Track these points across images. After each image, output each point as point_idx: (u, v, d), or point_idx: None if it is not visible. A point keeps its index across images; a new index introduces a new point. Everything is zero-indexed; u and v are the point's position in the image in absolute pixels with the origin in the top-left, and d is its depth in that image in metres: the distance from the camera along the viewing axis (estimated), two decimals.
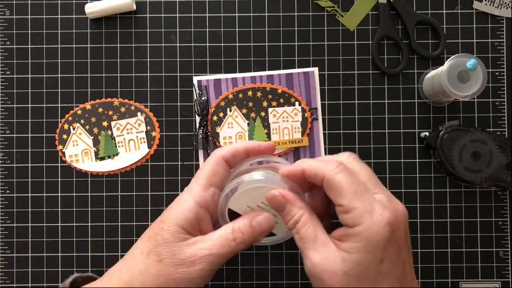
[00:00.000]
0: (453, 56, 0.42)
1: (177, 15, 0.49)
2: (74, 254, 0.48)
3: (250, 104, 0.48)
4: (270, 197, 0.36)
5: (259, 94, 0.48)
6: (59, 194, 0.48)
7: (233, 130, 0.48)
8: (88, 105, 0.48)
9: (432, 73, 0.45)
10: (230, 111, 0.48)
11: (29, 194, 0.48)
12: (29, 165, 0.48)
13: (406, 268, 0.34)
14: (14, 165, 0.48)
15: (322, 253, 0.34)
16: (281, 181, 0.37)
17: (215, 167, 0.38)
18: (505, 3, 0.48)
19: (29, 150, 0.48)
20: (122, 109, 0.48)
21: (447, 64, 0.41)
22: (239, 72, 0.49)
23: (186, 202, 0.37)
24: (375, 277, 0.33)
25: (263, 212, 0.38)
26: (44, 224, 0.48)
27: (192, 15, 0.49)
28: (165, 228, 0.36)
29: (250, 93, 0.48)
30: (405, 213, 0.34)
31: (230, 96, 0.48)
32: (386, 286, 0.33)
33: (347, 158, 0.37)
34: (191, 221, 0.36)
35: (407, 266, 0.34)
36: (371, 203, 0.33)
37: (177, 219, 0.36)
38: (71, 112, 0.48)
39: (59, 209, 0.48)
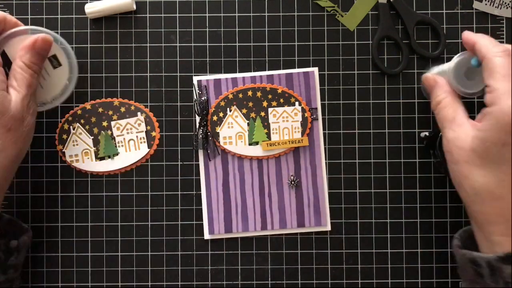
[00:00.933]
0: (460, 53, 0.42)
1: (177, 15, 0.49)
2: (74, 254, 0.48)
3: (250, 104, 0.48)
4: (425, 79, 0.44)
5: (259, 94, 0.48)
6: (59, 194, 0.48)
7: (233, 130, 0.48)
8: (88, 105, 0.48)
9: (435, 70, 0.45)
10: (230, 111, 0.48)
11: (29, 194, 0.48)
12: (29, 165, 0.48)
13: None
14: None
15: (456, 132, 0.39)
16: None
17: None
18: (505, 3, 0.48)
19: (29, 150, 0.48)
20: (122, 109, 0.48)
21: (454, 61, 0.41)
22: (239, 72, 0.49)
23: None
24: (496, 159, 0.36)
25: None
26: (44, 224, 0.48)
27: (192, 15, 0.49)
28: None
29: (250, 93, 0.48)
30: None
31: (230, 96, 0.48)
32: (503, 171, 0.36)
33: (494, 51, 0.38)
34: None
35: None
36: (509, 90, 0.35)
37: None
38: (71, 112, 0.48)
39: (59, 209, 0.48)
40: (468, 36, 0.40)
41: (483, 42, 0.38)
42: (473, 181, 0.37)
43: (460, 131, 0.38)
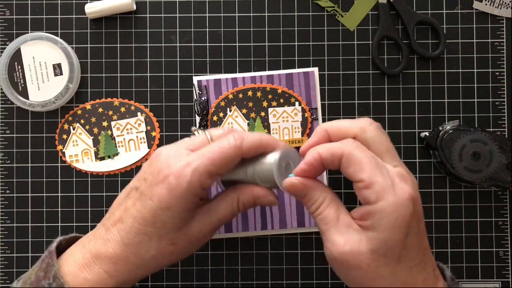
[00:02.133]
0: (275, 152, 0.38)
1: (177, 15, 0.49)
2: None
3: (250, 104, 0.48)
4: (288, 185, 0.36)
5: (259, 94, 0.48)
6: (59, 194, 0.48)
7: None
8: (88, 105, 0.48)
9: (249, 172, 0.39)
10: (230, 111, 0.48)
11: (29, 194, 0.48)
12: (29, 165, 0.48)
13: (425, 238, 0.35)
14: (14, 165, 0.48)
15: (346, 235, 0.34)
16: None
17: (232, 163, 0.36)
18: (505, 3, 0.48)
19: (29, 150, 0.48)
20: (122, 109, 0.48)
21: (275, 157, 0.37)
22: (239, 72, 0.49)
23: (194, 189, 0.35)
24: (401, 251, 0.33)
25: (270, 194, 0.38)
26: (44, 224, 0.48)
27: (192, 15, 0.49)
28: (175, 215, 0.35)
29: (250, 93, 0.48)
30: (416, 183, 0.35)
31: (230, 96, 0.48)
32: (410, 259, 0.33)
33: (369, 125, 0.36)
34: (197, 203, 0.37)
35: (425, 235, 0.35)
36: (392, 177, 0.33)
37: (187, 204, 0.35)
38: (71, 112, 0.48)
39: (59, 209, 0.48)
40: (312, 157, 0.35)
41: (330, 146, 0.35)
42: (384, 280, 0.33)
43: (350, 233, 0.33)
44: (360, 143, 0.35)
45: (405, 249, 0.33)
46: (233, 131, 0.38)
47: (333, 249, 0.34)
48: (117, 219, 0.36)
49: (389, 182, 0.33)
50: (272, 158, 0.37)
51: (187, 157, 0.35)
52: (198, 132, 0.40)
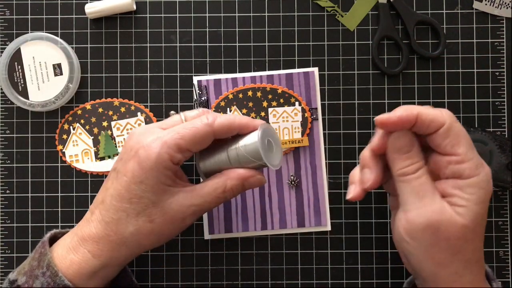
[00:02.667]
0: (258, 130, 0.38)
1: (177, 15, 0.49)
2: None
3: (250, 104, 0.48)
4: (397, 137, 0.35)
5: (259, 94, 0.48)
6: (59, 194, 0.48)
7: None
8: (88, 105, 0.48)
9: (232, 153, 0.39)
10: (230, 111, 0.48)
11: (29, 194, 0.48)
12: (29, 165, 0.48)
13: None
14: (14, 165, 0.48)
15: (437, 205, 0.34)
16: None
17: (203, 140, 0.37)
18: (505, 3, 0.48)
19: (29, 150, 0.48)
20: (122, 109, 0.48)
21: (257, 134, 0.38)
22: (239, 72, 0.49)
23: (163, 162, 0.35)
24: (483, 228, 0.35)
25: (257, 173, 0.38)
26: (44, 224, 0.48)
27: (192, 15, 0.49)
28: (148, 189, 0.36)
29: (250, 93, 0.48)
30: None
31: (230, 96, 0.48)
32: (478, 239, 0.35)
33: (455, 118, 0.36)
34: (171, 177, 0.37)
35: None
36: (480, 158, 0.35)
37: (159, 176, 0.36)
38: (71, 112, 0.48)
39: (59, 209, 0.48)
40: (407, 114, 0.35)
41: (430, 111, 0.35)
42: (464, 256, 0.34)
43: (445, 204, 0.34)
44: (452, 116, 0.35)
45: (484, 226, 0.35)
46: (208, 112, 0.39)
47: (425, 219, 0.33)
48: (100, 201, 0.37)
49: (480, 160, 0.34)
50: (255, 136, 0.37)
51: (158, 133, 0.36)
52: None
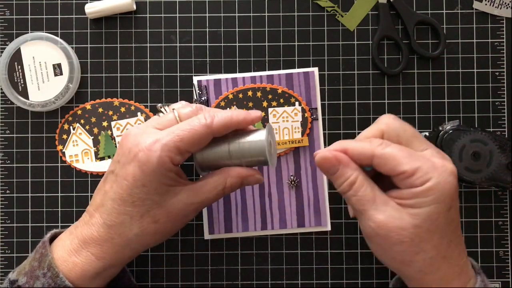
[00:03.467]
0: (268, 126, 0.39)
1: (177, 15, 0.49)
2: None
3: (250, 104, 0.48)
4: (321, 159, 0.36)
5: (259, 94, 0.48)
6: (59, 194, 0.48)
7: None
8: (88, 105, 0.48)
9: (235, 147, 0.39)
10: None
11: (29, 194, 0.48)
12: (29, 165, 0.48)
13: (459, 213, 0.36)
14: (14, 165, 0.48)
15: (385, 212, 0.34)
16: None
17: (202, 141, 0.37)
18: (505, 3, 0.48)
19: (29, 150, 0.48)
20: (122, 109, 0.48)
21: (263, 133, 0.39)
22: (239, 72, 0.49)
23: (164, 164, 0.35)
24: (444, 225, 0.34)
25: (256, 172, 0.39)
26: (44, 224, 0.48)
27: (192, 15, 0.49)
28: (151, 191, 0.36)
29: (250, 93, 0.48)
30: None
31: (230, 96, 0.48)
32: (451, 232, 0.35)
33: (388, 119, 0.37)
34: (173, 178, 0.37)
35: (459, 210, 0.36)
36: (430, 159, 0.34)
37: (161, 179, 0.36)
38: (71, 112, 0.48)
39: (59, 209, 0.48)
40: (335, 151, 0.36)
41: (358, 145, 0.35)
42: (426, 254, 0.34)
43: (389, 210, 0.34)
44: (386, 140, 0.35)
45: (448, 223, 0.34)
46: (202, 109, 0.39)
47: (374, 226, 0.34)
48: (99, 204, 0.37)
49: (429, 163, 0.34)
50: (262, 135, 0.38)
51: (156, 134, 0.36)
52: (165, 109, 0.40)
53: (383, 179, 0.37)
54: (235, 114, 0.38)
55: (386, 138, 0.36)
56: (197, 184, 0.38)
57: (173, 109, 0.39)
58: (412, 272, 0.36)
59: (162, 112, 0.41)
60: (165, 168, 0.35)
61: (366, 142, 0.35)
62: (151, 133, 0.36)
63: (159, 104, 0.41)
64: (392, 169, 0.34)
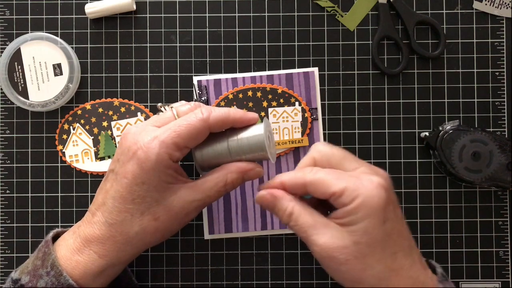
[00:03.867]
0: (259, 125, 0.39)
1: (177, 15, 0.49)
2: None
3: (250, 104, 0.48)
4: (260, 199, 0.37)
5: (259, 94, 0.48)
6: (59, 194, 0.48)
7: None
8: (88, 105, 0.48)
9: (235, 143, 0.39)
10: None
11: (29, 194, 0.48)
12: (29, 165, 0.48)
13: (403, 223, 0.36)
14: (14, 165, 0.48)
15: (326, 234, 0.35)
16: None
17: (199, 136, 0.37)
18: (505, 3, 0.48)
19: (29, 150, 0.48)
20: (122, 109, 0.48)
21: (260, 128, 0.39)
22: (239, 72, 0.49)
23: (163, 161, 0.36)
24: (383, 238, 0.34)
25: (256, 165, 0.39)
26: (44, 224, 0.48)
27: (192, 15, 0.49)
28: (151, 188, 0.36)
29: (250, 93, 0.48)
30: (387, 174, 0.37)
31: (230, 96, 0.48)
32: (393, 244, 0.35)
33: (317, 146, 0.38)
34: (172, 175, 0.37)
35: (403, 221, 0.36)
36: (357, 177, 0.35)
37: (160, 176, 0.36)
38: (71, 112, 0.48)
39: (59, 209, 0.48)
40: (273, 184, 0.37)
41: (291, 176, 0.37)
42: (372, 269, 0.34)
43: (330, 231, 0.35)
44: (317, 167, 0.36)
45: (386, 235, 0.34)
46: (201, 106, 0.39)
47: (319, 249, 0.35)
48: (100, 202, 0.37)
49: (357, 181, 0.34)
50: (259, 129, 0.38)
51: (154, 132, 0.36)
52: (164, 109, 0.40)
53: (326, 204, 0.37)
54: (232, 111, 0.38)
55: (319, 164, 0.37)
56: (198, 182, 0.38)
57: (171, 107, 0.39)
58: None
59: (162, 111, 0.41)
60: (164, 165, 0.36)
61: (299, 172, 0.36)
62: (150, 131, 0.37)
63: (159, 104, 0.41)
64: (323, 192, 0.35)
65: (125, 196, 0.36)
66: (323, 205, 0.38)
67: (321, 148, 0.38)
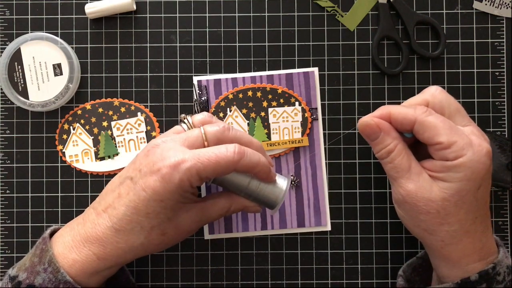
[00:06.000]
0: (288, 180, 0.41)
1: (177, 15, 0.49)
2: None
3: (250, 104, 0.48)
4: (364, 125, 0.38)
5: (259, 94, 0.48)
6: (59, 194, 0.48)
7: None
8: (88, 105, 0.48)
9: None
10: (230, 111, 0.48)
11: (29, 194, 0.48)
12: (29, 165, 0.48)
13: (489, 191, 0.38)
14: (14, 165, 0.48)
15: (417, 182, 0.36)
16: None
17: (224, 172, 0.37)
18: (505, 3, 0.48)
19: (29, 150, 0.48)
20: (122, 109, 0.48)
21: (285, 189, 0.40)
22: (239, 72, 0.49)
23: (184, 187, 0.36)
24: (471, 202, 0.36)
25: (256, 204, 0.40)
26: (44, 224, 0.48)
27: (192, 15, 0.49)
28: (168, 207, 0.36)
29: (250, 93, 0.48)
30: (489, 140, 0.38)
31: (230, 96, 0.48)
32: (477, 209, 0.36)
33: (435, 90, 0.38)
34: (188, 197, 0.38)
35: (489, 188, 0.38)
36: (468, 136, 0.36)
37: (179, 198, 0.36)
38: (71, 112, 0.48)
39: (59, 209, 0.48)
40: (381, 113, 0.38)
41: (402, 110, 0.37)
42: (450, 227, 0.36)
43: (421, 181, 0.36)
44: (431, 110, 0.37)
45: (476, 200, 0.36)
46: (229, 130, 0.39)
47: (404, 194, 0.37)
48: (109, 204, 0.37)
49: (467, 140, 0.35)
50: (281, 190, 0.39)
51: (183, 154, 0.36)
52: (187, 120, 0.40)
53: (420, 149, 0.39)
54: (261, 162, 0.38)
55: (431, 108, 0.38)
56: (206, 204, 0.39)
57: (200, 126, 0.39)
58: (433, 240, 0.38)
59: (185, 123, 0.40)
60: (184, 190, 0.36)
61: (410, 108, 0.37)
62: (178, 151, 0.36)
63: (182, 115, 0.41)
64: (430, 137, 0.36)
65: (139, 208, 0.36)
66: (417, 149, 0.39)
67: (438, 93, 0.38)
